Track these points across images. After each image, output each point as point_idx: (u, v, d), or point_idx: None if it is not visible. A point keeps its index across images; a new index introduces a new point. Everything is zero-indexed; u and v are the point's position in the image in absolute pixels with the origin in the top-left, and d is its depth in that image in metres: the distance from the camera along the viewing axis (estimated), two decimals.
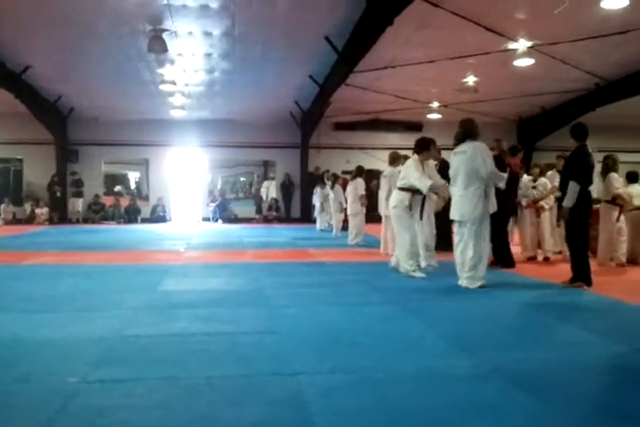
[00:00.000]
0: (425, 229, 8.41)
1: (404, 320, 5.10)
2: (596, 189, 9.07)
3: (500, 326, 5.00)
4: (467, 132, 6.89)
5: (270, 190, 24.81)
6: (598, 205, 9.21)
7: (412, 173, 7.58)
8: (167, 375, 3.47)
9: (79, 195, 21.51)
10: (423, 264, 8.27)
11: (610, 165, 9.17)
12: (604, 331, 4.73)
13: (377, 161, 16.56)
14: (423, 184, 7.42)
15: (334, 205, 14.95)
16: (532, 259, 9.72)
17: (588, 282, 6.76)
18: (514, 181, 8.69)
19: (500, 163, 8.32)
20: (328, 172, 18.24)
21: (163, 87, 17.20)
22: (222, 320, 5.00)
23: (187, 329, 4.65)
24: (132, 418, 2.82)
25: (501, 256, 8.69)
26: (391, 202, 8.03)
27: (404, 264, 7.76)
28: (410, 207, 7.70)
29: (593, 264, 8.69)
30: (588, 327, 4.90)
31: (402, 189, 7.78)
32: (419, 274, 7.63)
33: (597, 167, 7.97)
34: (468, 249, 6.73)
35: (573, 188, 6.71)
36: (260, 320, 5.04)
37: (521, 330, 4.90)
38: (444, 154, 9.89)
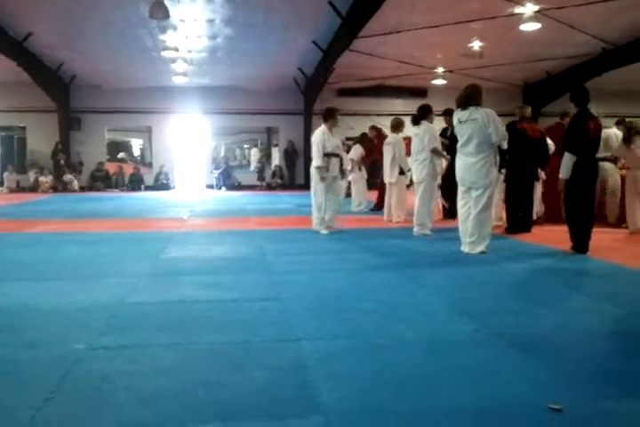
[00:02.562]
0: (417, 199, 8.45)
1: (406, 286, 5.13)
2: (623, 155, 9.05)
3: (502, 291, 5.02)
4: (468, 96, 6.80)
5: (263, 157, 24.81)
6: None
7: (314, 145, 8.64)
8: (171, 342, 3.50)
9: (75, 170, 21.58)
10: (416, 232, 8.38)
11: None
12: (608, 296, 4.73)
13: (381, 127, 16.47)
14: (316, 162, 8.54)
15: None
16: None
17: (584, 250, 6.75)
18: (530, 145, 8.59)
19: (512, 129, 8.29)
20: None
21: (165, 54, 17.06)
22: (225, 287, 5.03)
23: (190, 296, 4.68)
24: (136, 384, 2.85)
25: (521, 221, 8.74)
26: (312, 165, 8.77)
27: (316, 222, 8.73)
28: (327, 169, 8.51)
29: (622, 233, 8.73)
30: (592, 293, 4.93)
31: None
32: (324, 231, 8.56)
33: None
34: (472, 215, 6.73)
35: (567, 159, 6.62)
36: (262, 287, 5.07)
37: (523, 295, 4.91)
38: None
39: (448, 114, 10.16)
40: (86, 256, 6.71)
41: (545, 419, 2.49)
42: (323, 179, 8.51)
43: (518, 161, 8.47)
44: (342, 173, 9.01)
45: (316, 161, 8.55)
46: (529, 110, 9.05)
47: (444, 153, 9.12)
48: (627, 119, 9.73)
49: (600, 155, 9.30)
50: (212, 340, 3.54)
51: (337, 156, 8.73)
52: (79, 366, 3.10)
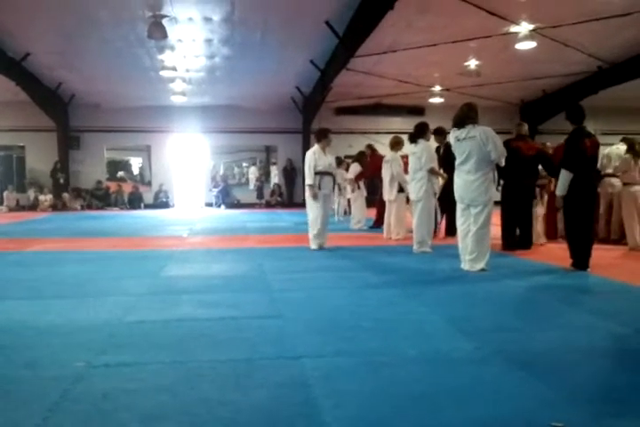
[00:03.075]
0: (415, 217, 8.45)
1: (406, 304, 5.12)
2: (622, 171, 9.09)
3: (503, 308, 5.00)
4: (464, 116, 6.84)
5: (262, 175, 24.98)
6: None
7: (306, 164, 8.92)
8: (171, 360, 3.49)
9: (80, 195, 21.68)
10: (415, 250, 8.37)
11: None
12: (609, 313, 4.73)
13: (379, 145, 16.51)
14: (307, 181, 8.83)
15: (337, 189, 15.00)
16: None
17: (584, 267, 6.75)
18: (525, 163, 8.62)
19: (507, 147, 8.28)
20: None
21: (163, 73, 17.14)
22: (225, 305, 5.02)
23: (190, 314, 4.67)
24: (136, 402, 2.84)
25: (521, 239, 8.81)
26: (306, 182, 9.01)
27: (311, 237, 8.92)
28: (319, 187, 8.77)
29: (622, 249, 8.76)
30: (592, 310, 4.91)
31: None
32: (314, 246, 8.84)
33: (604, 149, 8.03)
34: (472, 232, 6.74)
35: (564, 176, 6.69)
36: (262, 305, 5.06)
37: (524, 313, 4.91)
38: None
39: (439, 133, 10.24)
40: (86, 274, 6.69)
41: None
42: (314, 196, 8.73)
43: (513, 179, 8.50)
44: (336, 190, 9.13)
45: (308, 179, 8.82)
46: (525, 128, 9.12)
47: (441, 172, 9.17)
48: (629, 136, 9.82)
49: (608, 170, 9.41)
50: (213, 358, 3.53)
51: (329, 174, 8.97)
52: (79, 384, 3.09)
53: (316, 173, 8.77)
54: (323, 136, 9.04)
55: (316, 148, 8.97)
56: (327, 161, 8.91)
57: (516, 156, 8.45)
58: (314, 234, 8.84)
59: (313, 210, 8.82)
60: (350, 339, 3.92)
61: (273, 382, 3.09)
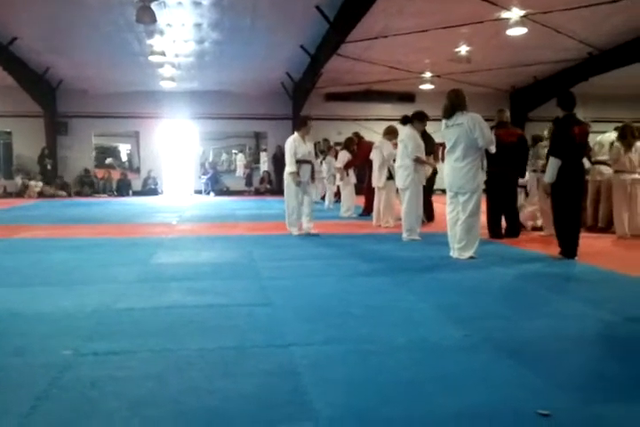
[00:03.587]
0: (404, 205, 8.45)
1: (395, 291, 5.13)
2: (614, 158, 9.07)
3: (492, 296, 5.01)
4: (453, 104, 6.81)
5: (251, 162, 25.02)
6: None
7: (286, 152, 8.97)
8: (160, 348, 3.48)
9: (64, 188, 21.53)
10: (404, 238, 8.36)
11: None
12: (597, 301, 4.74)
13: (370, 132, 16.46)
14: (289, 168, 8.87)
15: (327, 176, 14.98)
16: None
17: (572, 256, 6.76)
18: (505, 151, 8.58)
19: None
20: (319, 143, 18.12)
21: (152, 58, 16.99)
22: (215, 293, 5.01)
23: (179, 302, 4.66)
24: (124, 390, 2.83)
25: (508, 227, 8.88)
26: (285, 171, 9.09)
27: (288, 224, 9.16)
28: (298, 174, 8.83)
29: (610, 237, 8.81)
30: (581, 298, 4.93)
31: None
32: (295, 232, 9.03)
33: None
34: (461, 220, 6.74)
35: (552, 163, 6.68)
36: (252, 292, 5.06)
37: (513, 301, 4.93)
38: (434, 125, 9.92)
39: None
40: (74, 262, 6.66)
41: (534, 425, 2.49)
42: (298, 184, 8.83)
43: (495, 167, 8.44)
44: (313, 178, 9.17)
45: (289, 167, 8.89)
46: (507, 114, 9.09)
47: (430, 160, 9.18)
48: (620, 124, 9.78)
49: (599, 157, 9.42)
50: (202, 346, 3.52)
51: (308, 162, 9.03)
52: (67, 372, 3.08)
53: (296, 162, 8.82)
54: (302, 124, 9.21)
55: (295, 135, 9.03)
56: (306, 149, 8.98)
57: (497, 143, 8.41)
58: (293, 220, 9.07)
59: (291, 198, 8.94)
60: (339, 327, 3.92)
61: (262, 371, 3.09)
